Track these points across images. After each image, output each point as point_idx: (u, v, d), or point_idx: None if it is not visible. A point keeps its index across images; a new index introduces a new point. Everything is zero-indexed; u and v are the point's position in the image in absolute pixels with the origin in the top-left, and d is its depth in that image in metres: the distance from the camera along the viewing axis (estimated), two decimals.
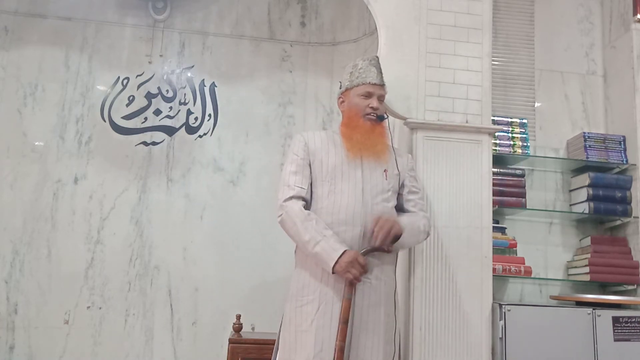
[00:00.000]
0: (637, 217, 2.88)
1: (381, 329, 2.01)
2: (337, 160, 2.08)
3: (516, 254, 2.86)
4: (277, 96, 3.67)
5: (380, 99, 2.15)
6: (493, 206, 2.53)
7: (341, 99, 2.21)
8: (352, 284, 1.94)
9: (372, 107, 2.11)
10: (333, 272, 1.93)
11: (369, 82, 2.13)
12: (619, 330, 2.47)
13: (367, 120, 2.11)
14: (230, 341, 2.79)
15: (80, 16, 3.62)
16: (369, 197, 2.04)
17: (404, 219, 2.05)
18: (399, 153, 2.25)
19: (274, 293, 3.29)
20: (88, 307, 3.34)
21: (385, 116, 2.17)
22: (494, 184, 2.62)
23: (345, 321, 1.92)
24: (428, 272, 2.41)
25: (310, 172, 2.09)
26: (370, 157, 2.09)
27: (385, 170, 2.11)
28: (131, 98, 3.57)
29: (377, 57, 2.22)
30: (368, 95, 2.13)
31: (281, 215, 2.03)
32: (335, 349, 1.90)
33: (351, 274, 1.91)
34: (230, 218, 3.50)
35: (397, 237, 2.00)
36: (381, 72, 2.18)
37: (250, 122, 3.62)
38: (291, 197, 2.02)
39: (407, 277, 2.44)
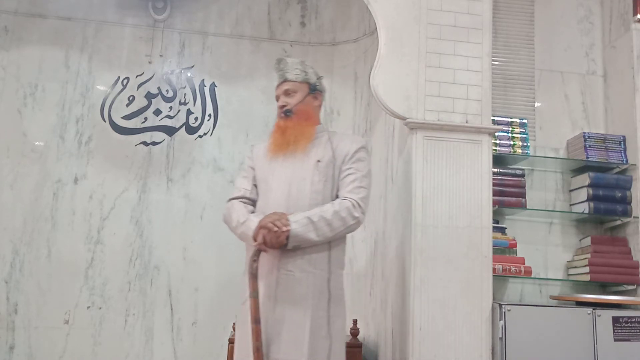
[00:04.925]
0: (637, 217, 2.88)
1: (307, 324, 1.99)
2: (271, 163, 2.21)
3: (516, 254, 2.86)
4: None
5: (286, 93, 2.25)
6: (493, 206, 2.53)
7: None
8: (254, 278, 1.97)
9: (280, 107, 2.25)
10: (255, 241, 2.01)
11: (275, 88, 2.30)
12: (619, 330, 2.47)
13: (280, 119, 2.24)
14: (230, 341, 2.79)
15: (80, 16, 3.62)
16: (295, 192, 2.11)
17: (295, 216, 2.01)
18: (340, 138, 2.26)
19: None
20: (88, 307, 3.34)
21: (291, 112, 2.21)
22: (494, 184, 2.62)
23: (256, 321, 1.91)
24: (428, 272, 2.41)
25: (255, 177, 2.26)
26: (296, 151, 2.17)
27: (318, 161, 2.15)
28: (131, 98, 3.57)
29: (277, 59, 2.32)
30: (277, 99, 2.29)
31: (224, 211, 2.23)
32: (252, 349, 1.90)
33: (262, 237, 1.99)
34: None
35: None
36: (282, 69, 2.27)
37: (250, 122, 3.62)
38: (235, 197, 2.22)
39: (407, 277, 2.44)
